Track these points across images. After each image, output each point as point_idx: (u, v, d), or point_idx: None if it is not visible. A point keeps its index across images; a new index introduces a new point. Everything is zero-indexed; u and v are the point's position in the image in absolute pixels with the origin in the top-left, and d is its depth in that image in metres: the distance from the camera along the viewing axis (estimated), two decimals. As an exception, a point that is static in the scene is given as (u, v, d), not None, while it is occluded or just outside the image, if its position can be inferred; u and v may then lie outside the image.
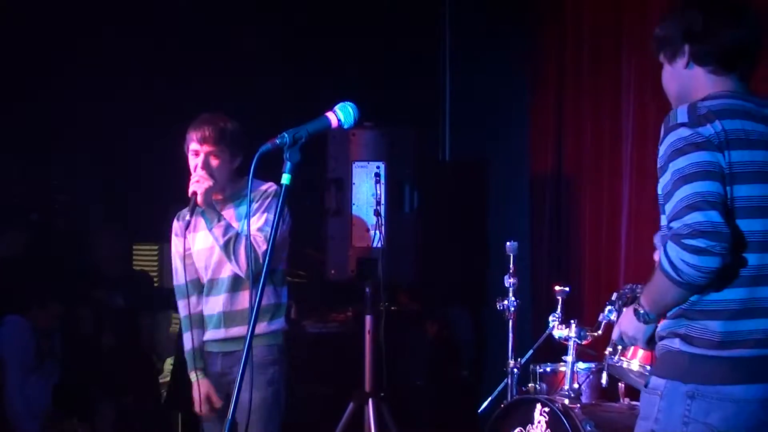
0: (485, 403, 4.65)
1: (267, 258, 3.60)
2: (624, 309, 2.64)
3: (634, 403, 4.36)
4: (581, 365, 4.38)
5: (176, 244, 4.00)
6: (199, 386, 3.86)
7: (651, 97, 5.67)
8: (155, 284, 7.22)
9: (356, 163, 4.79)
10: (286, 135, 2.55)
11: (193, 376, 3.91)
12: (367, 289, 4.81)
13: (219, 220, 3.76)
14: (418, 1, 6.81)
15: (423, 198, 4.98)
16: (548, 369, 4.50)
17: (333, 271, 4.88)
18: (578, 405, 4.23)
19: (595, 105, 5.92)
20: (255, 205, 3.80)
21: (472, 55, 6.75)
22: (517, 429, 4.26)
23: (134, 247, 7.47)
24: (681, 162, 2.37)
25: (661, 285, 2.40)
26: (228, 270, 3.84)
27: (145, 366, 6.47)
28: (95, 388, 5.96)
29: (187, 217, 3.77)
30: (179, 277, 3.98)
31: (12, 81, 6.07)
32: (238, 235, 3.75)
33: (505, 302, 4.51)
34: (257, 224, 3.79)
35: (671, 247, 2.33)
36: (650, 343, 2.56)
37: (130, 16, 6.23)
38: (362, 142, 4.81)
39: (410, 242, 4.85)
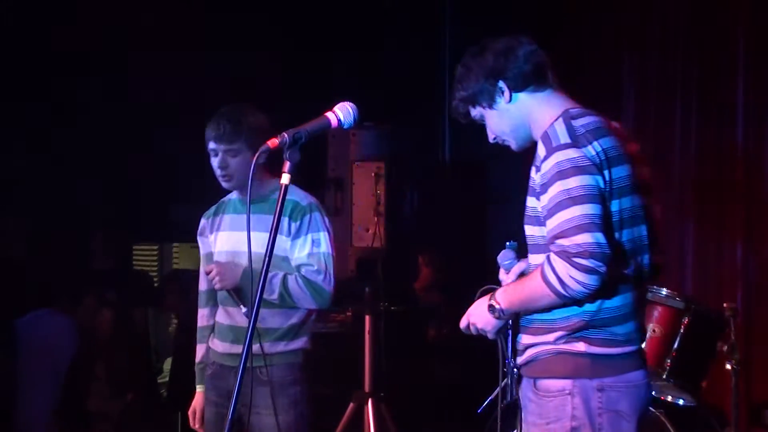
0: (485, 403, 4.65)
1: (332, 287, 3.45)
2: (476, 301, 2.75)
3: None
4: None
5: (202, 246, 3.74)
6: (195, 399, 3.70)
7: (651, 97, 5.68)
8: (155, 284, 7.22)
9: (356, 163, 4.79)
10: (286, 135, 2.54)
11: (199, 388, 3.71)
12: (367, 289, 4.81)
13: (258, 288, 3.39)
14: (419, 0, 6.82)
15: (423, 198, 4.98)
16: (548, 369, 4.50)
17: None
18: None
19: (595, 105, 5.92)
20: (294, 225, 3.48)
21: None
22: (518, 429, 4.26)
23: (134, 247, 7.48)
24: (570, 183, 2.53)
25: (536, 293, 2.57)
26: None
27: (145, 365, 6.47)
28: (97, 386, 5.97)
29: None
30: (201, 283, 3.73)
31: (12, 81, 6.07)
32: (284, 279, 3.45)
33: (505, 302, 4.50)
34: (305, 251, 3.49)
35: (559, 262, 2.49)
36: (498, 333, 2.74)
37: (130, 16, 6.22)
38: (362, 142, 4.81)
39: (410, 242, 4.86)
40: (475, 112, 2.80)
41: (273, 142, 2.54)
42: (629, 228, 2.61)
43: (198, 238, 3.76)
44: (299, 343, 3.57)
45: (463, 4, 6.90)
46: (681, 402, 4.22)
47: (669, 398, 4.26)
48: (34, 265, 6.18)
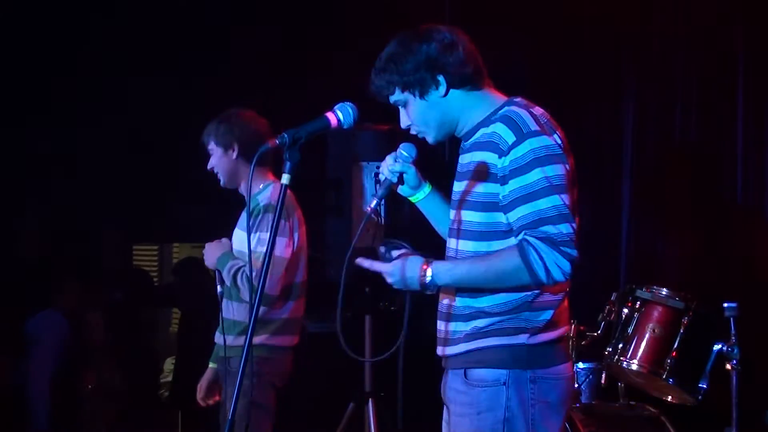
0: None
1: (261, 282, 3.61)
2: (399, 259, 2.70)
3: (633, 403, 4.36)
4: (581, 365, 4.38)
5: None
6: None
7: (651, 96, 5.68)
8: (155, 283, 7.22)
9: (356, 163, 4.78)
10: (286, 135, 2.54)
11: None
12: (367, 289, 4.81)
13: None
14: (419, 0, 6.81)
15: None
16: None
17: (333, 271, 4.87)
18: (578, 405, 4.22)
19: (596, 105, 5.92)
20: (252, 222, 3.71)
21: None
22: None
23: (134, 247, 7.48)
24: (549, 171, 2.54)
25: (507, 276, 2.55)
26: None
27: (146, 364, 6.47)
28: (98, 386, 5.98)
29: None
30: None
31: (12, 80, 6.08)
32: (237, 270, 3.72)
33: (505, 302, 4.49)
34: (252, 244, 3.64)
35: (546, 250, 2.51)
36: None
37: (130, 17, 6.23)
38: (362, 142, 4.80)
39: (410, 242, 4.84)
40: (400, 96, 2.76)
41: (273, 142, 2.55)
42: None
43: None
44: (260, 339, 3.73)
45: (462, 3, 6.90)
46: (681, 402, 4.22)
47: (669, 398, 4.26)
48: (35, 265, 6.19)
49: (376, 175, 4.73)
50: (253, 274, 3.55)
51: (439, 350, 2.78)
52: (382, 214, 4.71)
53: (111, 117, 6.31)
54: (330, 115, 2.65)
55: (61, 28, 6.14)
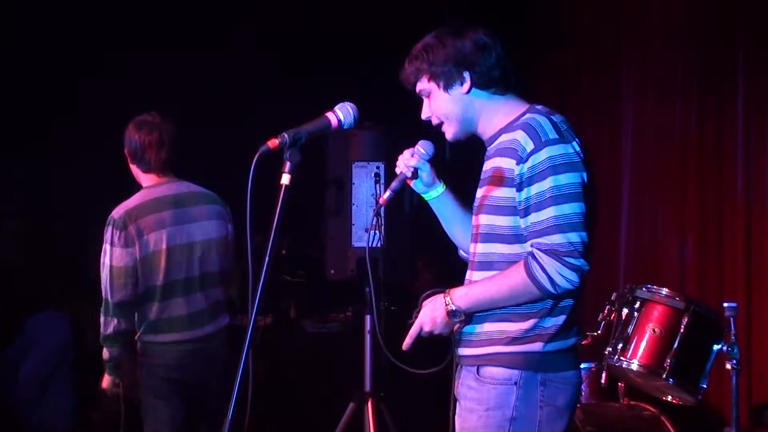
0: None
1: (108, 295, 3.95)
2: (422, 306, 2.78)
3: (633, 403, 4.36)
4: (581, 365, 4.38)
5: None
6: None
7: (650, 96, 5.69)
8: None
9: (356, 163, 4.78)
10: (286, 135, 2.54)
11: None
12: (367, 289, 4.81)
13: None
14: (418, 1, 6.82)
15: (423, 198, 4.97)
16: (548, 369, 4.49)
17: (333, 271, 4.87)
18: (578, 405, 4.22)
19: (595, 105, 5.93)
20: None
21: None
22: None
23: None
24: (561, 179, 2.58)
25: (517, 290, 2.61)
26: None
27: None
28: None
29: None
30: None
31: (11, 79, 6.08)
32: None
33: (505, 302, 4.48)
34: None
35: (548, 260, 2.56)
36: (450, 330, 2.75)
37: (129, 17, 6.22)
38: (362, 142, 4.80)
39: (410, 242, 4.85)
40: (425, 86, 2.83)
41: (273, 143, 2.54)
42: (592, 225, 2.69)
43: None
44: (138, 334, 4.05)
45: (462, 3, 6.90)
46: (681, 402, 4.22)
47: (669, 398, 4.26)
48: (36, 266, 6.19)
49: (376, 175, 4.73)
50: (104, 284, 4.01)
51: (465, 350, 2.80)
52: (382, 214, 4.71)
53: (110, 116, 6.30)
54: (330, 115, 2.65)
55: (62, 25, 6.13)
